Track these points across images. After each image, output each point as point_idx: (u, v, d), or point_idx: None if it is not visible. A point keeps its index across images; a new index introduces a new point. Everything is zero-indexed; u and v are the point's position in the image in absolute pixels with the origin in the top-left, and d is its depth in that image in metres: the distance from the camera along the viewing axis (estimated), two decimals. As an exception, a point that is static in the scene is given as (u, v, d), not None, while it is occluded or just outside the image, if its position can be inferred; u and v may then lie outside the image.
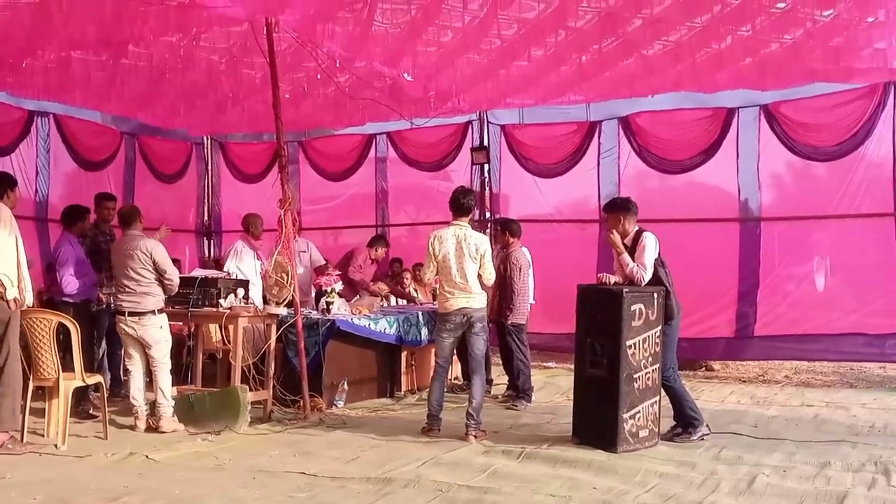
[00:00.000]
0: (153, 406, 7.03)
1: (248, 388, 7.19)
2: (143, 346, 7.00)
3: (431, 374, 7.27)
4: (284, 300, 7.55)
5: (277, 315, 7.57)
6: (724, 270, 10.32)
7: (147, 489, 5.12)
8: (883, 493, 5.09)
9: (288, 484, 5.31)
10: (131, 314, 6.93)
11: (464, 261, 6.73)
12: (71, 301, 7.53)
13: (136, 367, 7.05)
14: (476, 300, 6.82)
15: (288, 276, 7.50)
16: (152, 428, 6.93)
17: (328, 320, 8.05)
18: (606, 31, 7.68)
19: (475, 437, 6.61)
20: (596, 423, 6.33)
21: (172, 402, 7.01)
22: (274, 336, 7.51)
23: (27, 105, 10.52)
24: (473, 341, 6.88)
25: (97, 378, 6.82)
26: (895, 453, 6.09)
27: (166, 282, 7.02)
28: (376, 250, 10.12)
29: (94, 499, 4.88)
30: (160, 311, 7.03)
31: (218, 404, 7.08)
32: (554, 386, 9.41)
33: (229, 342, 7.34)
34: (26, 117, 10.68)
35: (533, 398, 8.40)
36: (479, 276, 6.81)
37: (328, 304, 8.31)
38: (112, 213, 8.39)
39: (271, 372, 7.51)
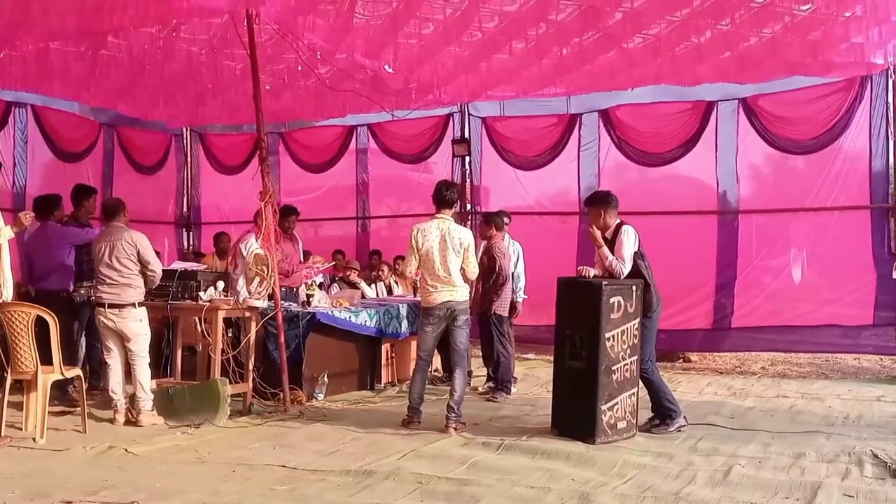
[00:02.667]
0: (132, 399, 7.01)
1: (227, 380, 7.18)
2: (122, 339, 6.97)
3: (413, 366, 7.28)
4: (265, 293, 7.54)
5: (257, 308, 7.56)
6: (702, 262, 10.43)
7: (127, 483, 5.09)
8: (856, 484, 5.15)
9: (268, 477, 5.30)
10: (111, 306, 6.89)
11: (447, 254, 6.72)
12: (53, 292, 7.49)
13: (114, 359, 7.02)
14: (459, 293, 6.83)
15: (268, 268, 7.48)
16: (131, 421, 6.90)
17: (308, 313, 8.05)
18: (587, 25, 7.71)
19: (455, 429, 6.64)
20: (575, 415, 6.38)
21: (151, 396, 6.99)
22: (254, 329, 7.50)
23: (4, 96, 10.47)
24: (456, 335, 6.89)
25: (76, 371, 6.79)
26: (869, 444, 6.17)
27: (149, 273, 7.00)
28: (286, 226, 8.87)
29: (74, 492, 4.85)
30: (140, 304, 7.01)
31: (197, 397, 7.06)
32: (533, 378, 9.46)
33: (209, 335, 7.31)
34: (3, 108, 10.63)
35: (513, 390, 8.44)
36: (463, 269, 6.82)
37: (308, 296, 8.31)
38: (94, 206, 8.37)
39: (251, 365, 7.51)
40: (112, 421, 6.92)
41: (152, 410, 6.94)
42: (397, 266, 10.81)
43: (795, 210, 10.12)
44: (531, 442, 6.24)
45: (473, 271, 6.92)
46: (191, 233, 13.87)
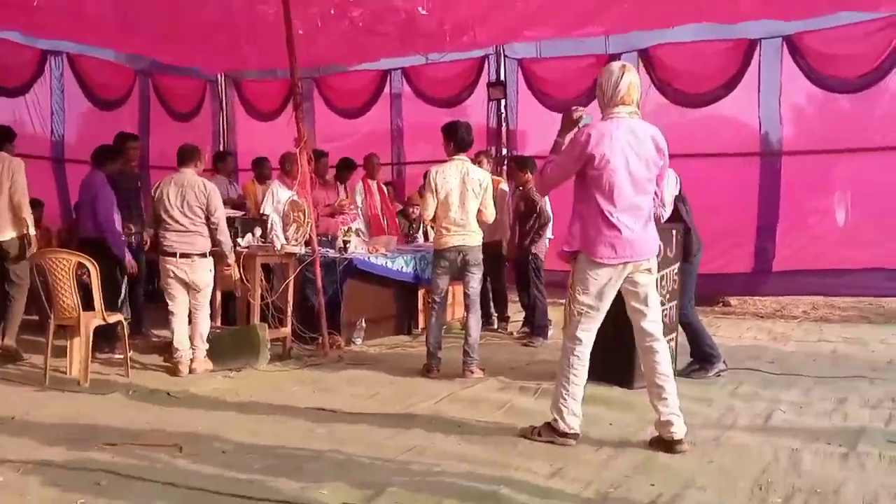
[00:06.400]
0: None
1: (267, 325, 7.24)
2: (189, 289, 6.90)
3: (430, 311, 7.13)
4: (302, 239, 7.55)
5: (295, 254, 7.58)
6: (744, 205, 10.20)
7: (169, 426, 5.18)
8: (900, 429, 5.09)
9: (308, 419, 5.36)
10: (183, 255, 6.82)
11: (467, 197, 6.61)
12: (97, 239, 7.54)
13: (181, 308, 6.90)
14: (472, 238, 6.70)
15: (304, 214, 7.48)
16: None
17: (345, 259, 8.06)
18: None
19: (472, 371, 6.62)
20: (612, 360, 6.31)
21: (207, 345, 7.00)
22: (292, 275, 7.53)
23: (40, 44, 10.47)
24: (468, 279, 6.77)
25: (118, 316, 6.85)
26: (913, 388, 6.08)
27: (212, 226, 6.88)
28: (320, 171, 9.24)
29: (116, 435, 4.94)
30: (210, 253, 6.95)
31: (238, 342, 7.15)
32: (571, 322, 9.40)
33: (248, 281, 7.35)
34: (39, 57, 10.65)
35: (549, 335, 8.41)
36: (480, 212, 6.69)
37: (345, 242, 8.32)
38: (136, 154, 8.41)
39: (290, 310, 7.55)
40: (176, 372, 6.77)
41: (205, 358, 6.99)
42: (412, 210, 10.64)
43: (840, 151, 9.86)
44: (569, 386, 6.21)
45: (491, 213, 6.78)
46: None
